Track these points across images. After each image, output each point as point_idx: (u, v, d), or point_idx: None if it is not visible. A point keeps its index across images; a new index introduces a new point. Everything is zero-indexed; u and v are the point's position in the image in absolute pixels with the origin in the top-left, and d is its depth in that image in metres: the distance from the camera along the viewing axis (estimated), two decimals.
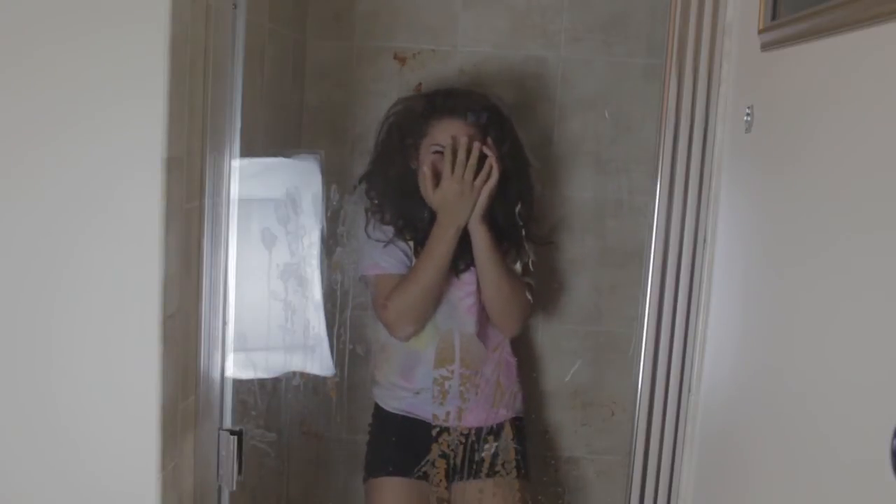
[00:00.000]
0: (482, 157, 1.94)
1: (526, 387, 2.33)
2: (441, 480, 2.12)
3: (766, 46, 1.23)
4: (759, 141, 1.28)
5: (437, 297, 2.04)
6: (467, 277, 2.06)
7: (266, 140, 2.02)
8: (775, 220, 1.20)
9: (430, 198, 1.97)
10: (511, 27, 2.33)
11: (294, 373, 2.02)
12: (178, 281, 1.28)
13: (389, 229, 2.07)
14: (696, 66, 1.42)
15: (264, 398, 1.87)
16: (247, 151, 1.53)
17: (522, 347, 2.42)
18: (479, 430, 2.13)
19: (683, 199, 1.45)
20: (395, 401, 2.15)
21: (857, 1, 0.93)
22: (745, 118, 1.31)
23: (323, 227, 1.96)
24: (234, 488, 1.51)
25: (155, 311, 1.23)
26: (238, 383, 1.58)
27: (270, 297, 1.83)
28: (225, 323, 1.50)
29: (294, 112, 2.33)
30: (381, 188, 2.08)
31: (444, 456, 2.10)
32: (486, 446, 2.12)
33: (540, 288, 2.40)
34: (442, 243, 1.97)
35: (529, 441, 2.24)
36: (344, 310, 2.18)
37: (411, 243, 2.07)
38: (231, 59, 1.47)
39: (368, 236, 2.08)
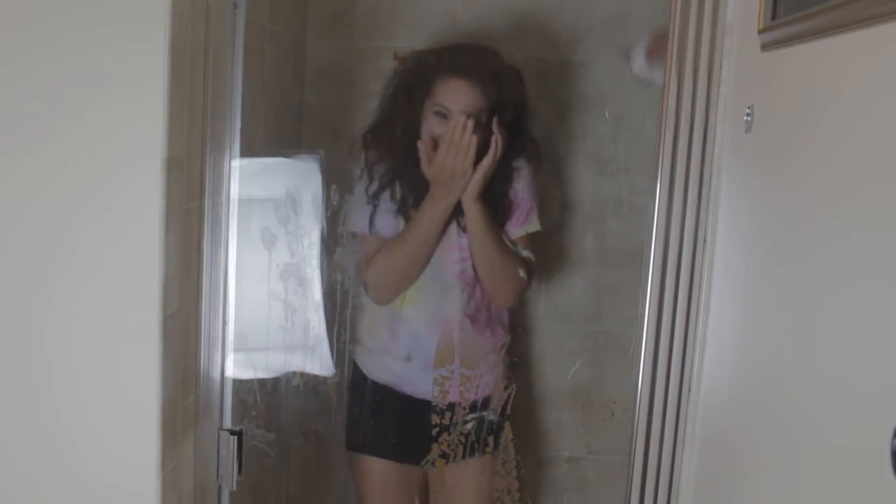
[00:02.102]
0: (485, 133, 1.90)
1: (525, 385, 2.33)
2: (441, 481, 2.12)
3: (766, 46, 1.23)
4: (759, 141, 1.28)
5: (420, 267, 2.01)
6: (459, 242, 2.03)
7: (266, 140, 2.02)
8: (775, 219, 1.20)
9: (425, 169, 1.93)
10: (511, 27, 2.33)
11: (294, 373, 2.02)
12: (178, 281, 1.28)
13: (384, 192, 2.02)
14: (696, 66, 1.42)
15: (264, 398, 1.87)
16: (247, 151, 1.53)
17: (522, 347, 2.42)
18: (467, 406, 2.09)
19: (683, 199, 1.45)
20: (383, 371, 2.09)
21: (857, 1, 0.93)
22: (745, 118, 1.31)
23: (323, 227, 1.96)
24: (234, 488, 1.51)
25: (155, 311, 1.23)
26: (238, 383, 1.58)
27: (270, 297, 1.83)
28: (225, 323, 1.50)
29: (294, 112, 2.34)
30: (383, 146, 2.03)
31: (444, 456, 2.10)
32: (472, 421, 2.10)
33: (540, 287, 2.41)
34: (430, 216, 1.95)
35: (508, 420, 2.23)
36: (344, 310, 2.17)
37: (402, 207, 2.03)
38: (231, 59, 1.47)
39: (352, 194, 2.03)
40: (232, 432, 1.51)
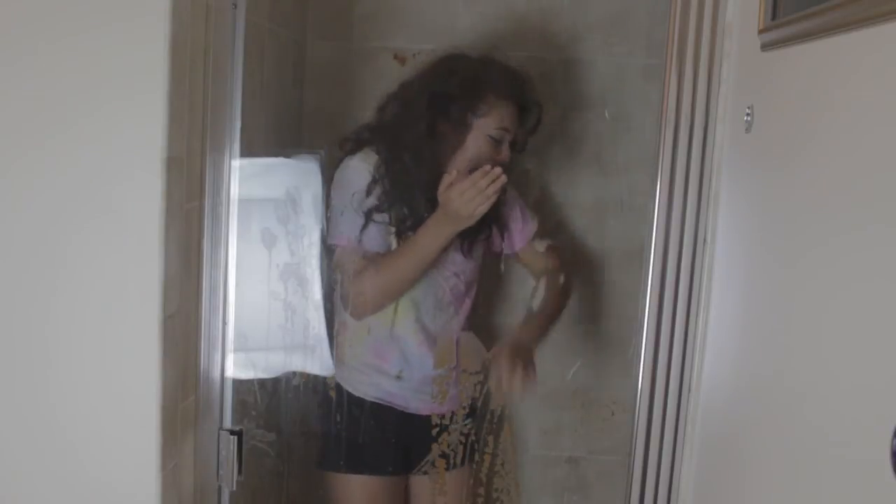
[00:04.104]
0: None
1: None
2: (440, 480, 2.12)
3: (766, 46, 1.23)
4: (759, 141, 1.28)
5: (409, 286, 1.92)
6: (454, 257, 1.98)
7: (266, 140, 2.02)
8: (775, 219, 1.20)
9: (441, 193, 1.82)
10: (511, 27, 2.33)
11: (294, 373, 2.02)
12: (178, 281, 1.28)
13: (380, 205, 1.91)
14: (696, 66, 1.42)
15: (264, 398, 1.87)
16: (247, 151, 1.53)
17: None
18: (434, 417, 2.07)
19: (683, 199, 1.45)
20: (369, 386, 2.01)
21: (857, 1, 0.93)
22: (745, 118, 1.31)
23: (323, 227, 1.95)
24: (234, 488, 1.51)
25: (155, 311, 1.23)
26: (238, 383, 1.58)
27: (270, 297, 1.83)
28: (225, 323, 1.50)
29: (294, 112, 2.33)
30: (388, 152, 1.91)
31: (444, 456, 2.10)
32: (465, 427, 2.09)
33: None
34: (434, 238, 1.85)
35: (516, 437, 2.23)
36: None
37: (394, 223, 1.93)
38: (231, 59, 1.47)
39: (341, 202, 1.90)
40: (232, 432, 1.51)
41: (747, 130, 1.31)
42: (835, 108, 1.02)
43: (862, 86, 0.95)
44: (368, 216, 1.90)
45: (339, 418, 2.04)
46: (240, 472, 1.51)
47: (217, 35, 1.38)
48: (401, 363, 2.01)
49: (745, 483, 1.26)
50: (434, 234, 1.86)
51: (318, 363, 2.04)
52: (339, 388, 2.04)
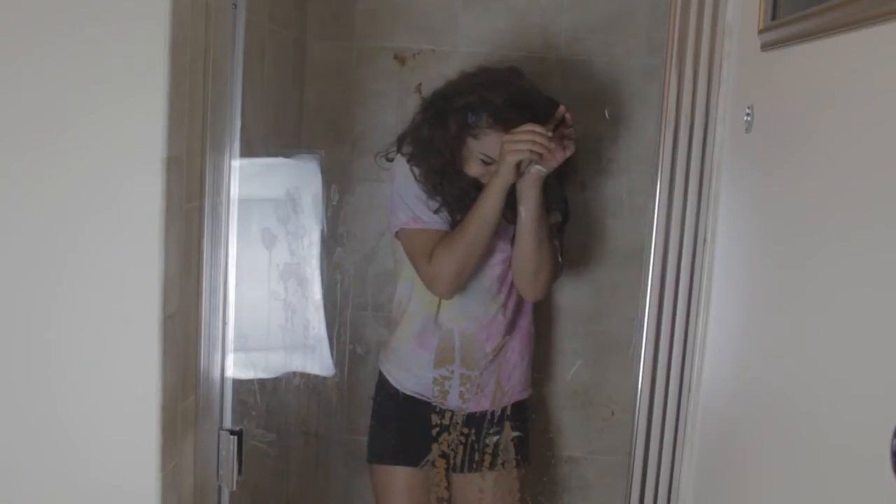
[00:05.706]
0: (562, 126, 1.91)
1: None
2: (441, 480, 2.12)
3: (766, 46, 1.23)
4: (759, 141, 1.28)
5: (482, 255, 1.98)
6: (500, 245, 2.04)
7: (266, 140, 2.02)
8: (775, 219, 1.20)
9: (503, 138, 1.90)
10: (511, 27, 2.33)
11: (294, 373, 2.02)
12: (178, 281, 1.28)
13: (431, 187, 2.00)
14: (696, 66, 1.42)
15: (264, 398, 1.88)
16: (247, 151, 1.53)
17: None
18: (483, 414, 2.10)
19: (683, 199, 1.45)
20: (412, 383, 2.09)
21: (857, 1, 0.93)
22: (745, 118, 1.31)
23: (323, 227, 1.96)
24: (234, 488, 1.51)
25: (155, 311, 1.23)
26: (238, 383, 1.58)
27: (270, 297, 1.83)
28: (225, 323, 1.50)
29: (294, 112, 2.34)
30: (423, 160, 2.01)
31: (444, 456, 2.10)
32: (490, 433, 2.11)
33: None
34: (489, 197, 1.91)
35: (531, 430, 2.23)
36: (344, 310, 2.18)
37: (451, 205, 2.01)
38: (231, 59, 1.47)
39: (393, 191, 2.01)
40: (232, 432, 1.51)
41: (747, 130, 1.31)
42: (835, 108, 1.02)
43: (862, 86, 0.95)
44: (429, 195, 1.99)
45: (386, 412, 2.13)
46: (240, 472, 1.51)
47: (217, 35, 1.38)
48: (443, 354, 2.06)
49: (745, 483, 1.26)
50: (489, 192, 1.91)
51: (318, 363, 2.04)
52: (384, 381, 2.11)
